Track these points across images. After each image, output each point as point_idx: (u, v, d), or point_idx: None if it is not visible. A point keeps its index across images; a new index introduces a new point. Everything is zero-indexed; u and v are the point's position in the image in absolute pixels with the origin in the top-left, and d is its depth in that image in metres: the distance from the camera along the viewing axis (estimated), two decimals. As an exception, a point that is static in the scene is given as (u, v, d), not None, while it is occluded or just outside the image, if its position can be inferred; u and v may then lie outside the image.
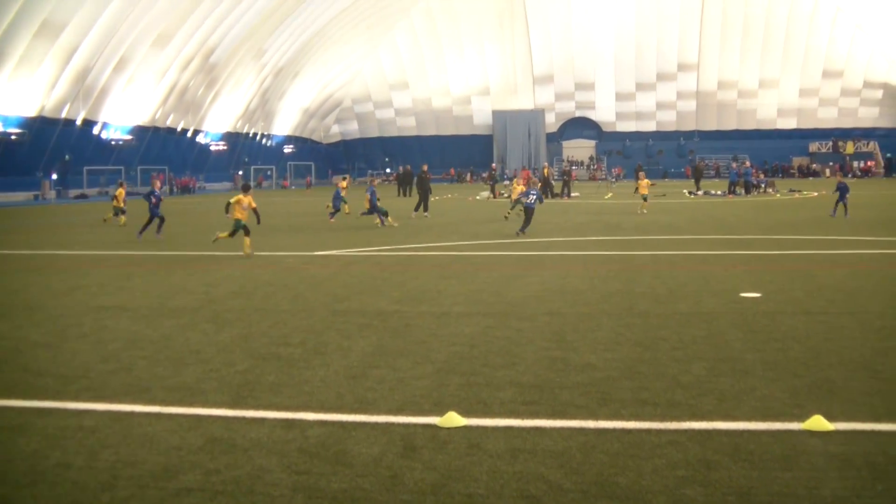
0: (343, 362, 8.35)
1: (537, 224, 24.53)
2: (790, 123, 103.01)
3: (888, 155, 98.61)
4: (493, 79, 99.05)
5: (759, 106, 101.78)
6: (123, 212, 30.38)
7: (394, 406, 6.84)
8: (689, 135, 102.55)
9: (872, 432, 6.03)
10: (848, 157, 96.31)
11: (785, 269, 15.30)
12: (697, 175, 53.74)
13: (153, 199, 23.67)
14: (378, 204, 26.65)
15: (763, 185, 52.14)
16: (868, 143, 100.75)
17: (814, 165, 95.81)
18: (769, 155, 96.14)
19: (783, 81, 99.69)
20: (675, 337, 9.30)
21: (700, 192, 49.28)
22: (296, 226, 28.88)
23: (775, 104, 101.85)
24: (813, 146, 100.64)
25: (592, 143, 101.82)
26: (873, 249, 18.35)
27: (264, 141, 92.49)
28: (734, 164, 75.56)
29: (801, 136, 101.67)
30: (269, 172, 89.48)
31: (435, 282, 14.18)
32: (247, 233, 18.30)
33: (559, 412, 6.62)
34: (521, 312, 11.07)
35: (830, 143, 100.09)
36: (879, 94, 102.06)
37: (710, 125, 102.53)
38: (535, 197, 23.32)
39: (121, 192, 31.38)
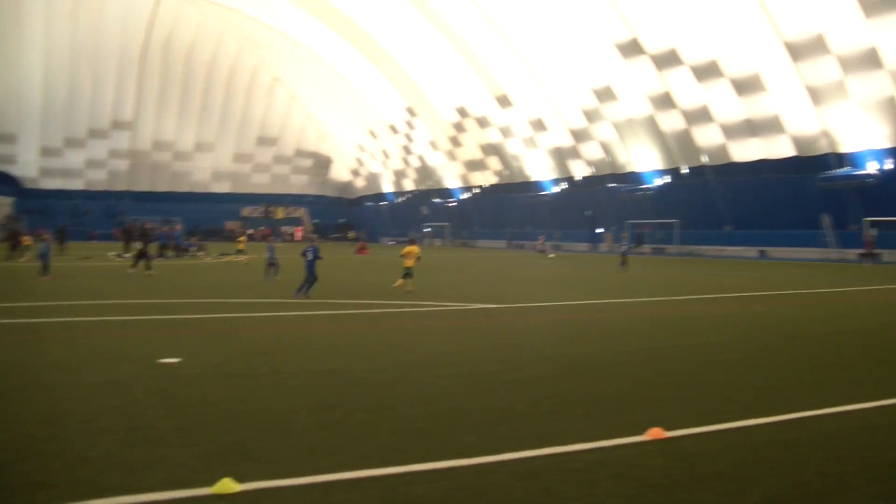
0: None
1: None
2: (224, 187, 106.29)
3: (316, 220, 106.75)
4: None
5: (195, 169, 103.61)
6: None
7: None
8: (120, 195, 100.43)
9: (277, 489, 6.18)
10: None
11: (207, 333, 15.37)
12: (127, 237, 52.54)
13: None
14: None
15: (193, 248, 52.80)
16: (298, 209, 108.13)
17: (251, 231, 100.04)
18: (203, 218, 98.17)
19: (219, 145, 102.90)
20: (83, 409, 8.65)
21: (128, 255, 47.88)
22: None
23: (210, 168, 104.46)
24: (246, 210, 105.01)
25: (10, 199, 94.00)
26: (301, 311, 19.26)
27: None
28: (166, 227, 75.69)
29: (234, 200, 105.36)
30: None
31: None
32: None
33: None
34: None
35: (263, 208, 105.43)
36: (309, 162, 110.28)
37: (143, 186, 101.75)
38: (311, 254, 22.51)
39: None
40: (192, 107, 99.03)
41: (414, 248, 25.13)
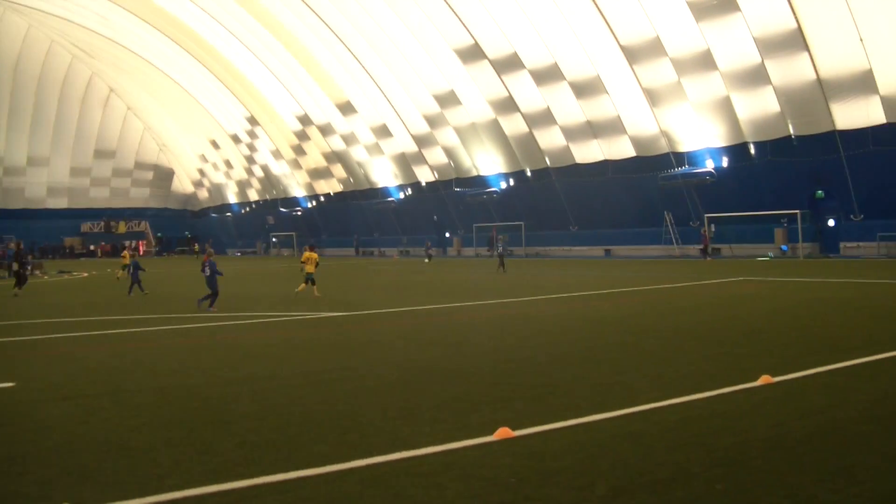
0: None
1: None
2: (61, 203, 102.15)
3: (159, 234, 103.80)
4: None
5: (28, 184, 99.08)
6: None
7: None
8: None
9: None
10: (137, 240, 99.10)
11: (46, 354, 14.71)
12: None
13: None
14: None
15: (29, 267, 50.55)
16: (140, 223, 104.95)
17: (92, 247, 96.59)
18: (39, 235, 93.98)
19: (54, 160, 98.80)
20: None
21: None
22: None
23: (45, 183, 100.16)
24: (85, 226, 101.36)
25: None
26: (145, 328, 18.70)
27: None
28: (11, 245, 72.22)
29: (73, 216, 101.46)
30: None
31: None
32: None
33: None
34: None
35: (103, 223, 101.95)
36: (150, 174, 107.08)
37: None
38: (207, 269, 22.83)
39: None
40: (22, 120, 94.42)
41: (313, 255, 26.71)
